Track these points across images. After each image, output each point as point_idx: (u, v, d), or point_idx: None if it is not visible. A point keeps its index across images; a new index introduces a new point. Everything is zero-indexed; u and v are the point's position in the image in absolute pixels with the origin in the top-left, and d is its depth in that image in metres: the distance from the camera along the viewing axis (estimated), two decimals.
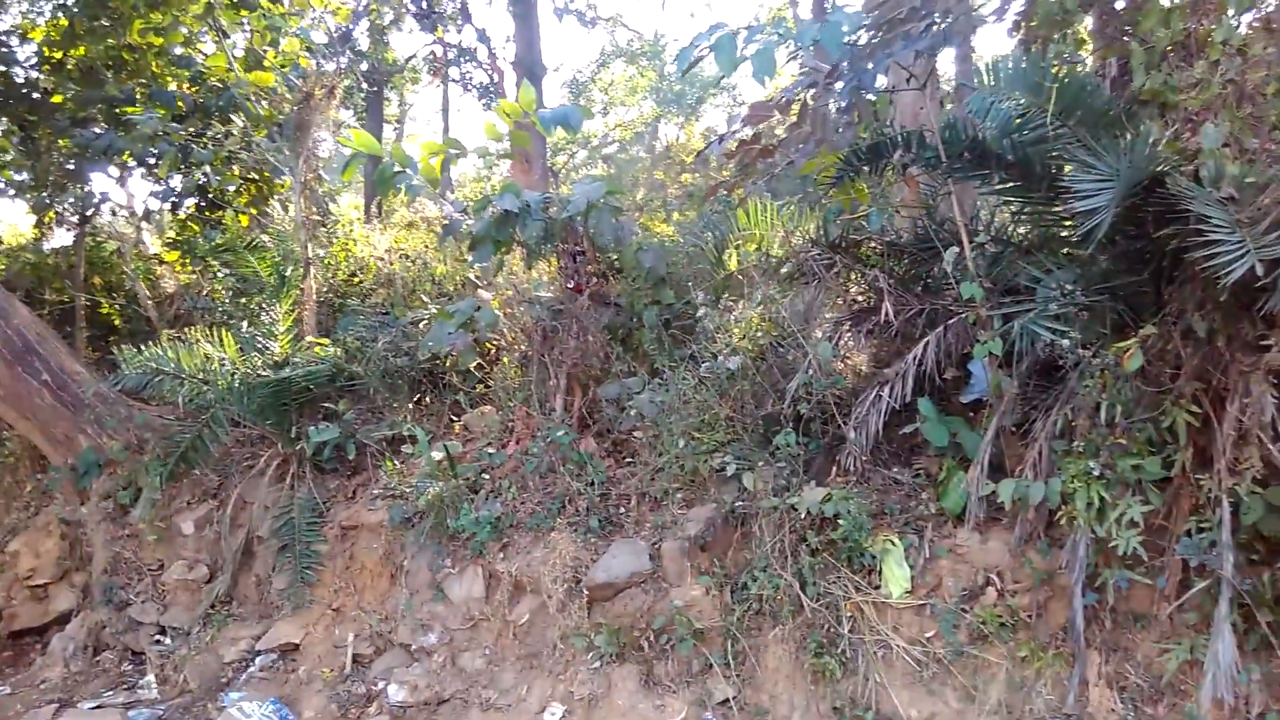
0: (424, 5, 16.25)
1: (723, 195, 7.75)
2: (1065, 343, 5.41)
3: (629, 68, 24.87)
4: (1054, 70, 6.12)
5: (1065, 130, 6.08)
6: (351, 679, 7.33)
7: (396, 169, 8.25)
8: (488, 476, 7.96)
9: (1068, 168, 6.09)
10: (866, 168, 6.80)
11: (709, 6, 42.24)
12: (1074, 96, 6.01)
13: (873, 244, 7.42)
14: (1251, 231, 4.62)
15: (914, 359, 6.52)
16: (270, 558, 8.40)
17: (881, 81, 6.96)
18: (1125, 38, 6.65)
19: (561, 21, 24.11)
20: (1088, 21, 7.37)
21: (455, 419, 9.02)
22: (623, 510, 7.38)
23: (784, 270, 7.30)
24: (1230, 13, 5.80)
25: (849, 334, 7.11)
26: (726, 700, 6.19)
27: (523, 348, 8.70)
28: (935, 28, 5.91)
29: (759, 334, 7.48)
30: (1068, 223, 6.45)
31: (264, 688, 7.40)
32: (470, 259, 9.10)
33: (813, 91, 6.66)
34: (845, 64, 6.17)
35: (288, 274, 10.14)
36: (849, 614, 6.15)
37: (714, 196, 7.80)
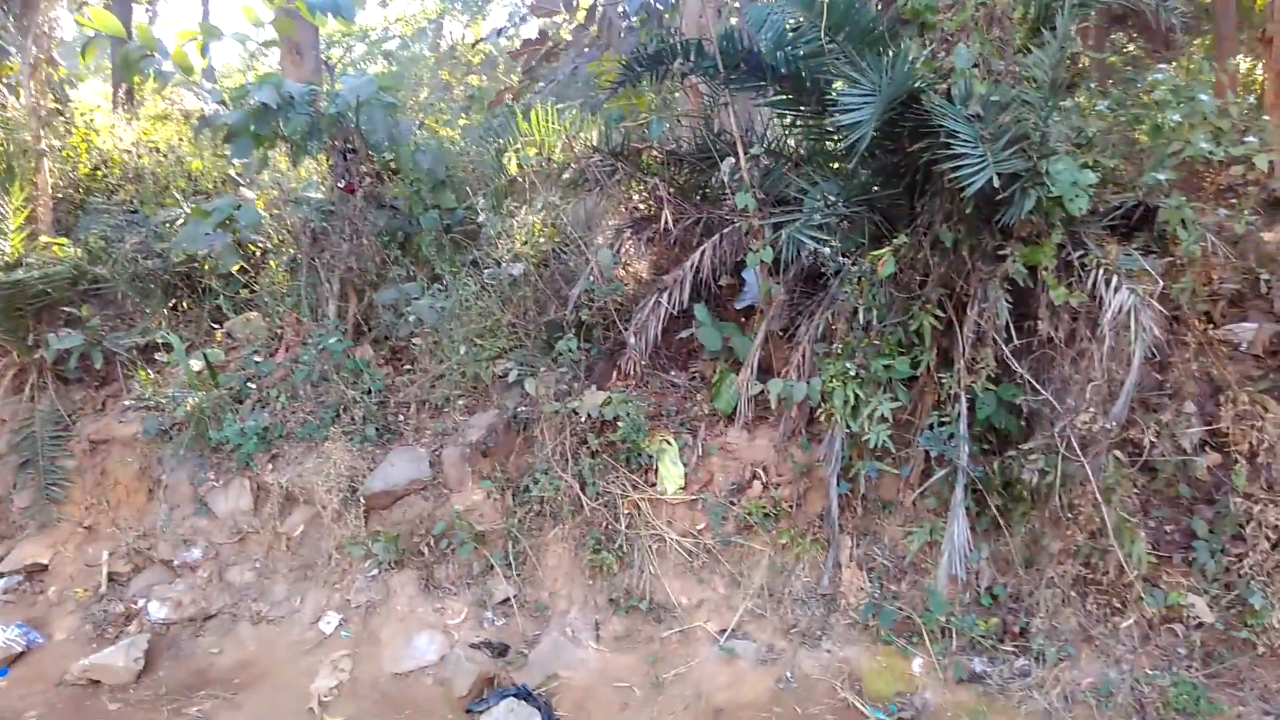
0: None
1: (507, 100, 7.53)
2: (827, 250, 5.71)
3: None
4: None
5: (835, 45, 6.29)
6: (108, 598, 6.85)
7: (144, 53, 7.45)
8: (254, 386, 7.55)
9: (837, 83, 6.32)
10: (648, 74, 6.81)
11: None
12: (843, 13, 6.22)
13: (654, 152, 7.47)
14: (992, 147, 5.00)
15: (691, 266, 6.71)
16: (10, 475, 7.63)
17: None
18: None
19: None
20: None
21: (217, 326, 8.45)
22: (401, 418, 7.22)
23: (566, 176, 7.24)
24: None
25: (630, 241, 7.19)
26: (507, 599, 6.29)
27: (291, 250, 8.21)
28: None
29: (541, 240, 7.42)
30: (834, 136, 6.72)
31: (9, 611, 6.79)
32: (229, 154, 8.41)
33: None
34: None
35: (17, 166, 9.02)
36: (626, 511, 6.36)
37: (500, 104, 7.56)
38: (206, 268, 8.48)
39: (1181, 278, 5.69)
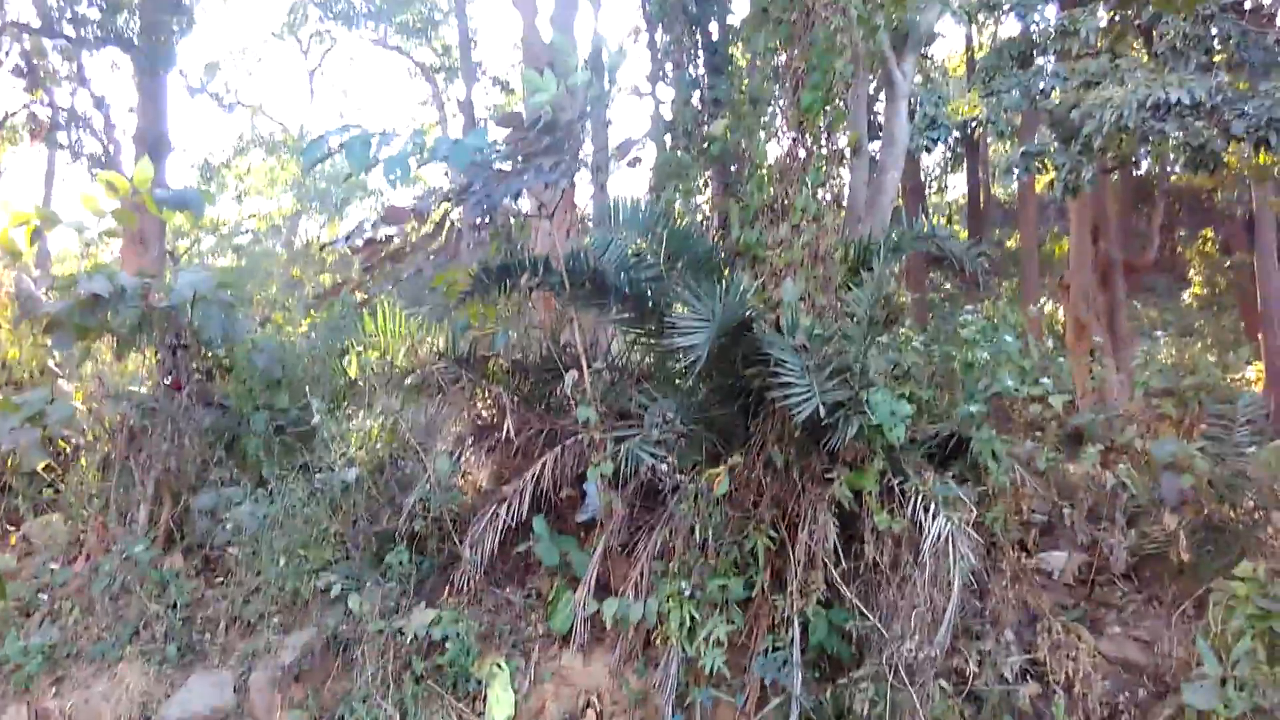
0: (25, 61, 14.46)
1: (348, 296, 7.49)
2: (664, 467, 5.74)
3: (269, 158, 23.86)
4: (668, 217, 6.69)
5: (675, 272, 6.63)
6: None
7: None
8: (45, 597, 6.84)
9: (677, 306, 6.61)
10: (497, 286, 6.96)
11: (358, 110, 41.28)
12: (681, 243, 6.61)
13: (500, 361, 7.52)
14: (817, 377, 5.25)
15: (532, 477, 6.62)
16: None
17: (526, 206, 7.22)
18: (730, 196, 7.49)
19: (194, 99, 22.71)
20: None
21: (12, 528, 7.72)
22: (208, 636, 6.62)
23: (409, 381, 7.16)
24: (809, 186, 6.72)
25: (471, 450, 7.08)
26: None
27: (105, 449, 7.68)
28: (563, 165, 6.25)
29: (378, 446, 7.21)
30: (674, 355, 6.95)
31: None
32: (49, 344, 7.97)
33: (449, 206, 6.75)
34: (478, 184, 6.32)
35: None
36: None
37: (336, 296, 7.51)
38: (9, 465, 7.82)
39: (994, 506, 5.96)
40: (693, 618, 5.70)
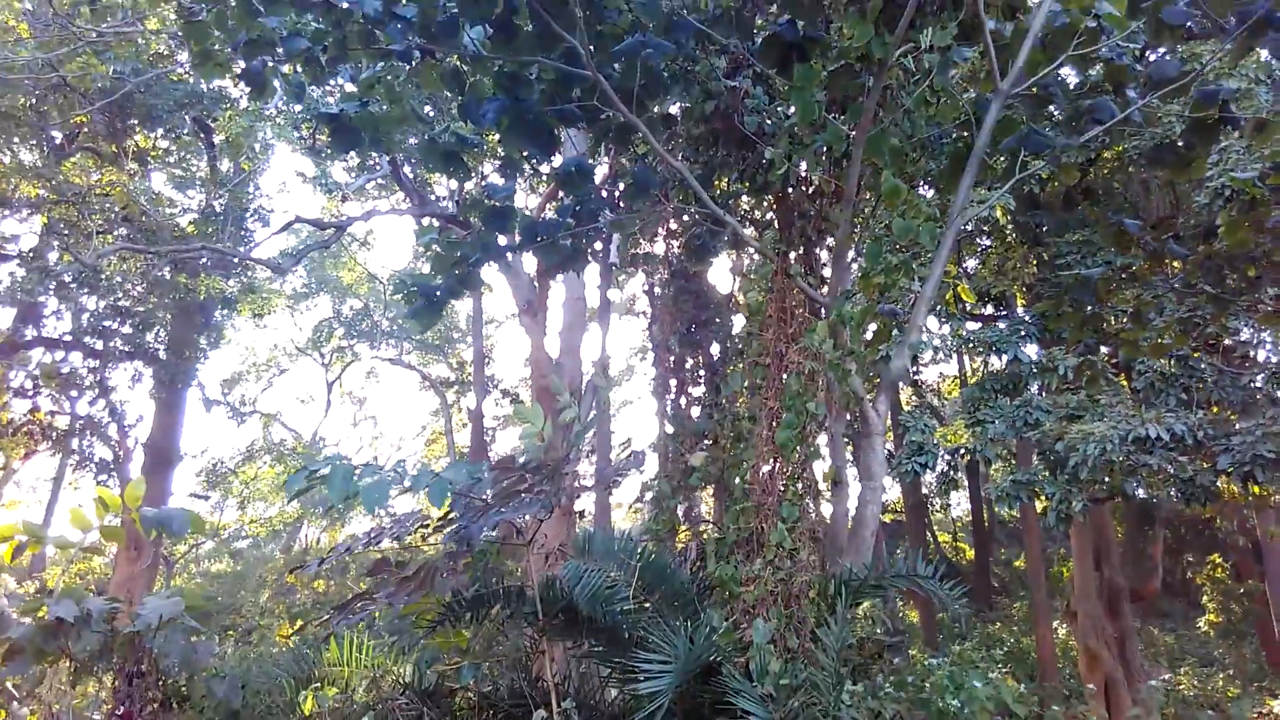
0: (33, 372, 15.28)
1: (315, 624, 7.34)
2: None
3: (278, 465, 24.48)
4: (644, 548, 6.71)
5: (649, 605, 6.54)
6: None
7: None
8: None
9: (653, 638, 6.45)
10: (469, 615, 6.85)
11: (371, 418, 42.65)
12: (656, 575, 6.57)
13: (469, 694, 7.21)
14: None
15: None
16: None
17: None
18: (706, 525, 7.54)
19: (209, 412, 23.76)
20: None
21: None
22: None
23: (366, 719, 6.83)
24: (784, 520, 6.78)
25: None
26: None
27: None
28: (544, 498, 6.39)
29: None
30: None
31: None
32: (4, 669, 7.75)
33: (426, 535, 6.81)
34: (460, 515, 6.42)
35: None
36: None
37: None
38: None
39: None
40: None
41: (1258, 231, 7.41)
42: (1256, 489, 13.17)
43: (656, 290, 16.02)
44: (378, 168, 16.73)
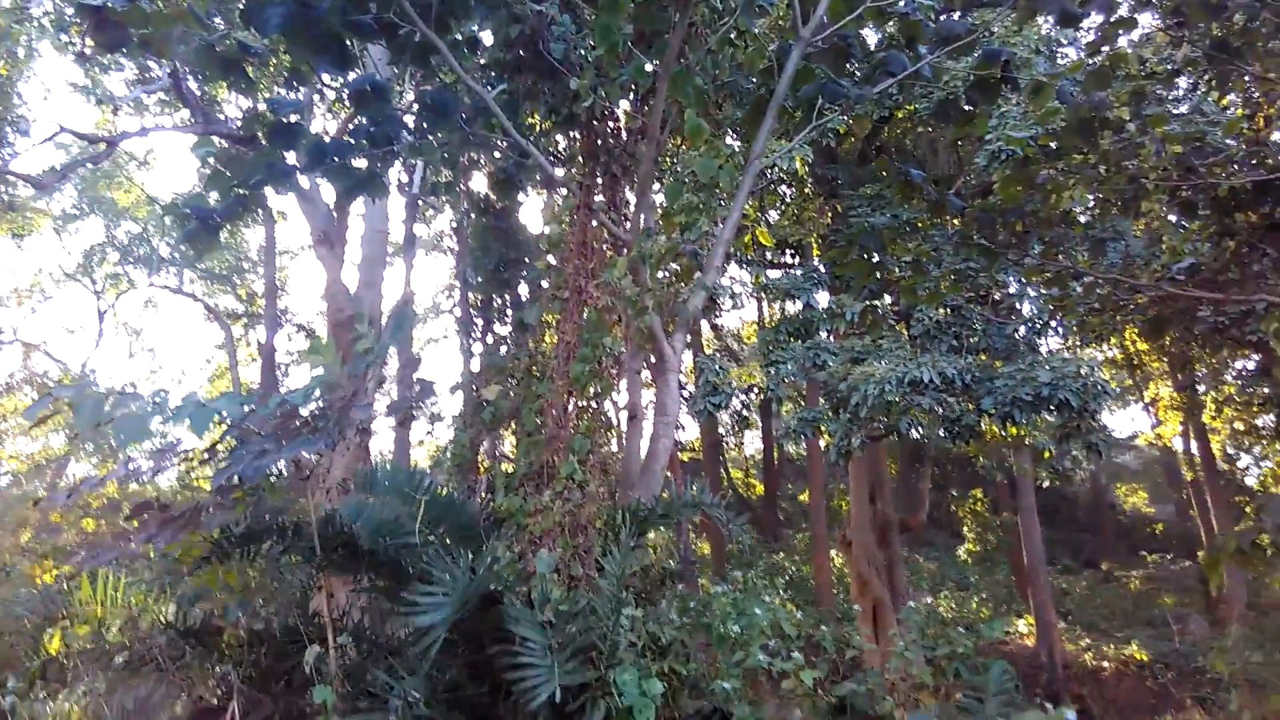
0: None
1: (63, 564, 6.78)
2: None
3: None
4: (427, 484, 6.55)
5: (434, 539, 6.41)
6: None
7: None
8: None
9: (435, 571, 6.34)
10: (240, 552, 6.50)
11: (151, 353, 39.54)
12: (443, 509, 6.44)
13: (237, 634, 6.88)
14: (560, 656, 5.05)
15: None
16: None
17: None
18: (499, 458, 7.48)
19: None
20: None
21: None
22: None
23: (119, 659, 6.40)
24: (575, 453, 6.80)
25: None
26: None
27: None
28: (327, 435, 6.08)
29: None
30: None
31: None
32: None
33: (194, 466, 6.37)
34: (236, 451, 6.03)
35: None
36: None
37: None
38: None
39: None
40: None
41: (1029, 188, 7.97)
42: (1014, 429, 14.44)
43: (465, 226, 15.61)
44: (158, 80, 15.29)
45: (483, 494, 7.50)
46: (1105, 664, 21.21)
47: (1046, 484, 21.87)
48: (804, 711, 6.91)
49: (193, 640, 6.44)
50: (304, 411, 6.12)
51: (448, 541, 6.42)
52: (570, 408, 7.31)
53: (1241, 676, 9.84)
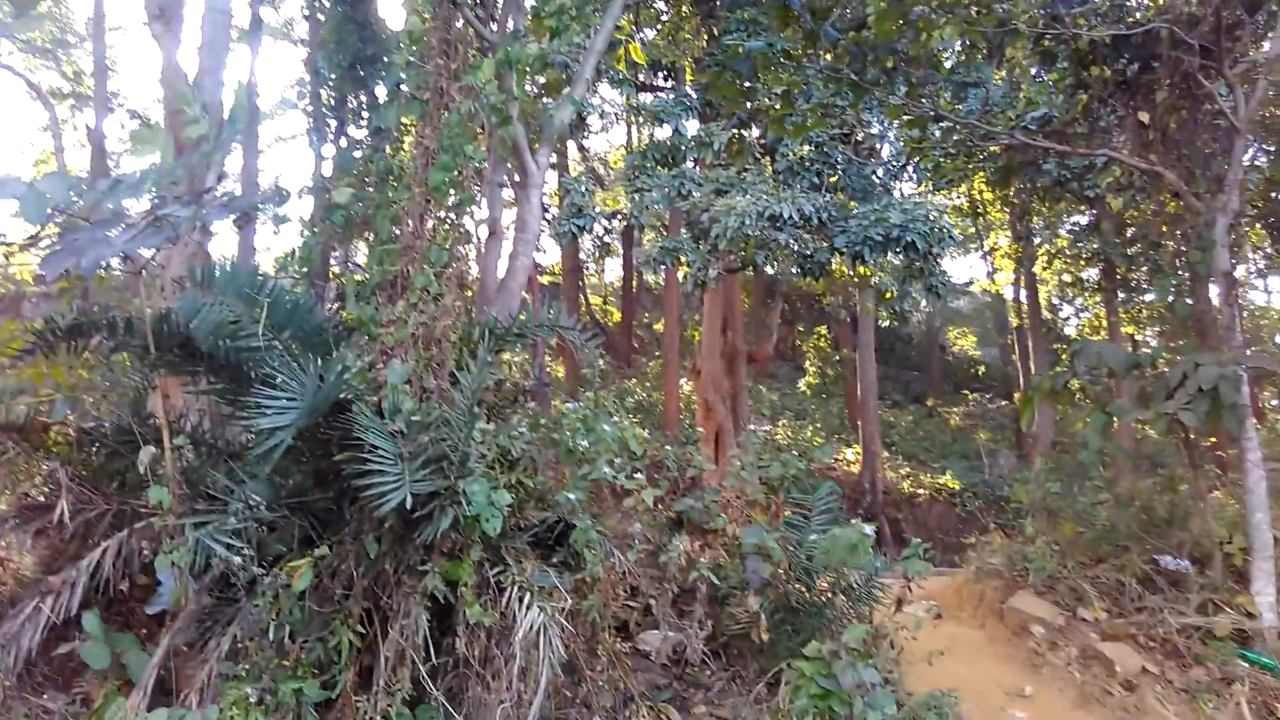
0: None
1: None
2: (237, 560, 5.22)
3: None
4: (270, 286, 6.25)
5: (279, 343, 6.18)
6: None
7: None
8: None
9: (280, 376, 6.15)
10: (65, 346, 6.11)
11: None
12: (288, 314, 6.19)
13: (67, 431, 6.58)
14: (410, 465, 5.06)
15: (89, 565, 5.81)
16: None
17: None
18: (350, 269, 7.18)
19: None
20: None
21: None
22: None
23: None
24: (431, 264, 6.59)
25: (13, 533, 6.07)
26: None
27: None
28: (163, 228, 5.64)
29: None
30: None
31: None
32: None
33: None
34: (65, 237, 5.54)
35: None
36: None
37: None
38: None
39: (591, 594, 6.05)
40: None
41: (903, 24, 7.93)
42: (863, 269, 14.97)
43: (316, 14, 14.37)
44: None
45: (332, 302, 7.25)
46: (921, 491, 23.16)
47: (886, 324, 23.01)
48: (644, 525, 7.25)
49: (15, 435, 6.10)
50: (137, 202, 5.67)
51: (294, 347, 6.21)
52: (428, 218, 7.03)
53: (1040, 506, 10.85)
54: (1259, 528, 8.97)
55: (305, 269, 7.26)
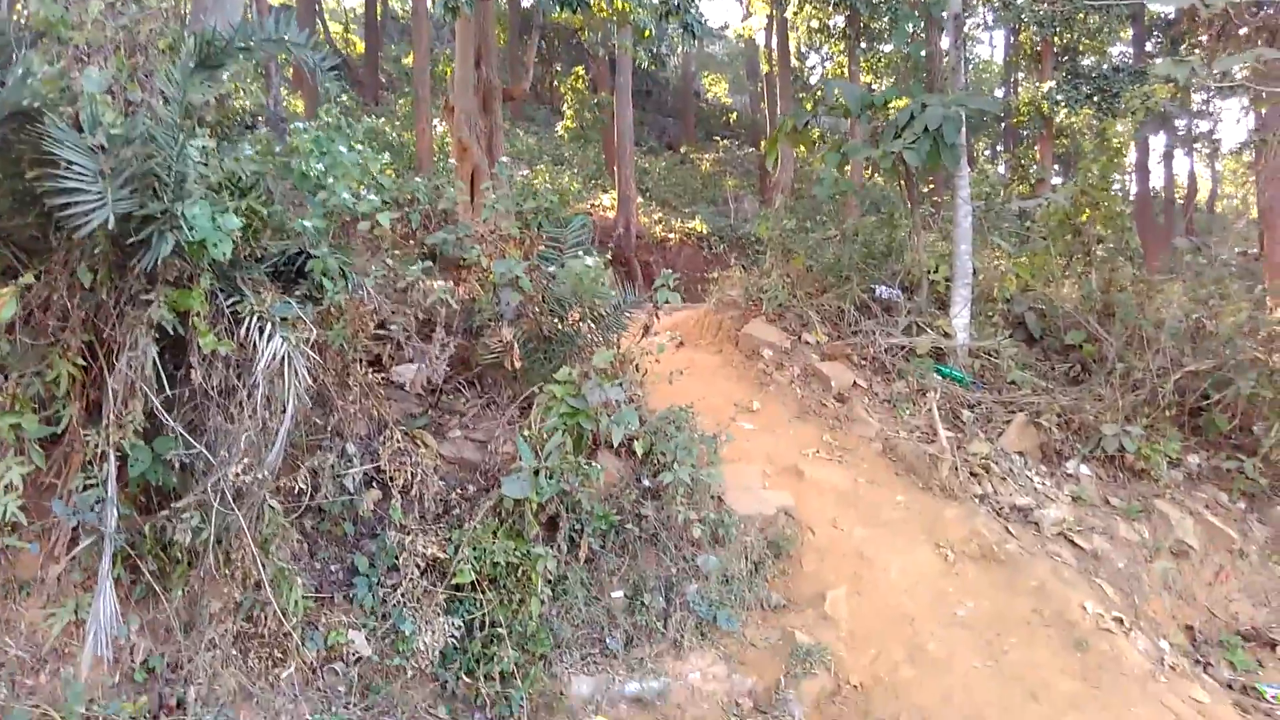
0: None
1: None
2: None
3: None
4: None
5: None
6: None
7: None
8: None
9: None
10: None
11: None
12: None
13: None
14: (113, 183, 4.58)
15: None
16: None
17: None
18: None
19: None
20: None
21: None
22: None
23: None
24: None
25: None
26: None
27: None
28: None
29: None
30: None
31: None
32: None
33: None
34: None
35: None
36: None
37: None
38: None
39: (335, 325, 5.92)
40: None
41: None
42: (620, 2, 14.49)
43: None
44: None
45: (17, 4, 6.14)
46: (672, 235, 24.00)
47: (645, 65, 22.74)
48: (394, 260, 7.07)
49: None
50: None
51: None
52: None
53: (776, 242, 11.58)
54: (961, 258, 10.08)
55: None
